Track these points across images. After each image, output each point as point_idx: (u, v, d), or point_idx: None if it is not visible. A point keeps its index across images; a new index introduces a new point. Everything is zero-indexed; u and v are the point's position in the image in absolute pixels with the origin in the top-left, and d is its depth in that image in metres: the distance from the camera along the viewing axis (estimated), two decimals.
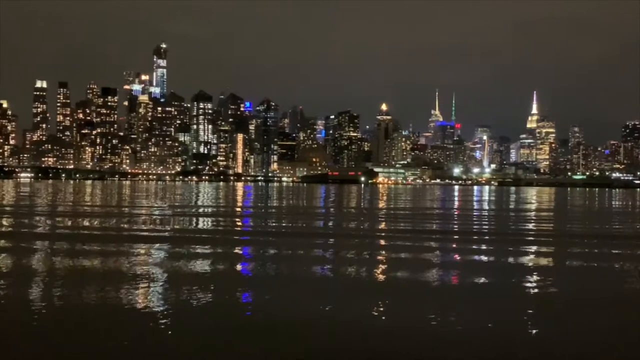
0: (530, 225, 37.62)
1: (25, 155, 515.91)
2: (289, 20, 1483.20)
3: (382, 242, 25.63)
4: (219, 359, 9.24)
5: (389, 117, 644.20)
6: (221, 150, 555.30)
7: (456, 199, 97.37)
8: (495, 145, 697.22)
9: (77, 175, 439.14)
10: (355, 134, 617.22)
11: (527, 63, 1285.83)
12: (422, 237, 27.73)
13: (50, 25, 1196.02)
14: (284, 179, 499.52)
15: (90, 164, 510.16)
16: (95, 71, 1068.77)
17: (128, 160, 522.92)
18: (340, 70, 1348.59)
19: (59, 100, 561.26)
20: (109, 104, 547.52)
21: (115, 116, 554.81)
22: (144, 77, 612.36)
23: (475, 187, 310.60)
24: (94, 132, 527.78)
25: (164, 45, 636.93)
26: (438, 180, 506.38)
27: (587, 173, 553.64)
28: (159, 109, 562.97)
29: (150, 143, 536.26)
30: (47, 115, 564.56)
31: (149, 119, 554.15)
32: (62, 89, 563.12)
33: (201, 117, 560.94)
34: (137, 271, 16.02)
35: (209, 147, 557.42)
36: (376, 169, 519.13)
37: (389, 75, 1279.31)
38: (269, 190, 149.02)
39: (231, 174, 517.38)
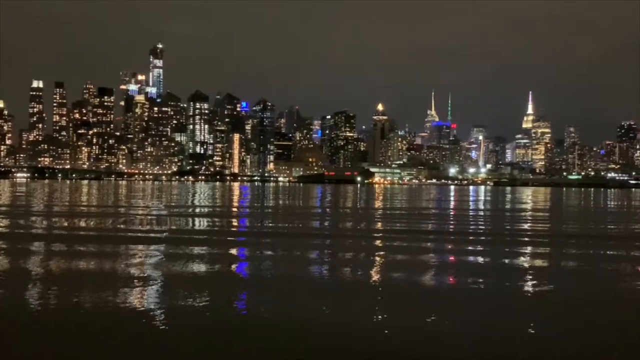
0: (526, 226, 37.82)
1: (22, 155, 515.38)
2: (289, 20, 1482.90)
3: (379, 242, 25.67)
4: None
5: (385, 117, 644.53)
6: (217, 150, 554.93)
7: (452, 199, 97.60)
8: (491, 145, 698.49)
9: (74, 175, 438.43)
10: (351, 134, 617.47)
11: (526, 63, 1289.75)
12: (419, 237, 27.81)
13: (47, 26, 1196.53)
14: (280, 179, 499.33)
15: (87, 164, 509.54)
16: (92, 71, 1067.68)
17: (124, 160, 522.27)
18: (340, 70, 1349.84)
19: (55, 100, 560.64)
20: (106, 104, 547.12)
21: (112, 116, 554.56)
22: (140, 77, 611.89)
23: (471, 187, 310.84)
24: (91, 132, 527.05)
25: (160, 46, 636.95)
26: (434, 181, 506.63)
27: (583, 173, 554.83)
28: (155, 109, 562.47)
29: (146, 143, 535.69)
30: (44, 115, 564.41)
31: (145, 119, 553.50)
32: (58, 89, 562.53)
33: (197, 117, 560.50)
34: (131, 272, 16.07)
35: (205, 147, 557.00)
36: (372, 169, 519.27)
37: (389, 75, 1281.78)
38: (265, 190, 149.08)
39: (227, 174, 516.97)
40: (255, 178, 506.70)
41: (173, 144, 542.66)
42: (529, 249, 23.51)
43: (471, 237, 28.46)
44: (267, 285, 14.93)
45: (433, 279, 16.02)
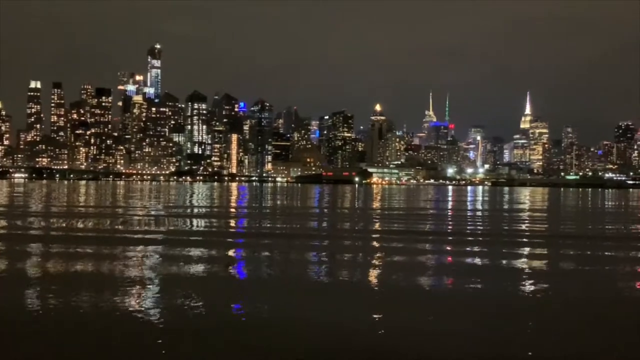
0: (524, 226, 37.92)
1: (20, 155, 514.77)
2: (289, 21, 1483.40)
3: (378, 243, 25.73)
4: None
5: (382, 118, 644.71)
6: (215, 150, 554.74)
7: (450, 199, 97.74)
8: (489, 145, 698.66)
9: (71, 176, 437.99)
10: (349, 135, 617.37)
11: (526, 63, 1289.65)
12: (417, 238, 27.81)
13: (46, 26, 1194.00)
14: (278, 179, 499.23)
15: (85, 164, 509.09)
16: (90, 72, 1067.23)
17: (122, 161, 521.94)
18: (340, 70, 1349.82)
19: (53, 101, 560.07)
20: (103, 104, 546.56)
21: (110, 116, 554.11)
22: (138, 78, 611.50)
23: (469, 188, 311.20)
24: (88, 132, 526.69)
25: (158, 46, 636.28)
26: (432, 181, 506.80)
27: (580, 173, 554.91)
28: (153, 109, 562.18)
29: (144, 143, 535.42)
30: (41, 115, 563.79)
31: (143, 119, 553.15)
32: (56, 90, 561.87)
33: (195, 117, 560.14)
34: (127, 273, 16.07)
35: (203, 147, 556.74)
36: (370, 169, 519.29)
37: (389, 75, 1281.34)
38: (263, 190, 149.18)
39: (225, 174, 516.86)
40: (253, 178, 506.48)
41: (171, 145, 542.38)
42: (526, 250, 23.52)
43: (469, 238, 28.54)
44: (264, 286, 14.95)
45: (431, 279, 16.02)
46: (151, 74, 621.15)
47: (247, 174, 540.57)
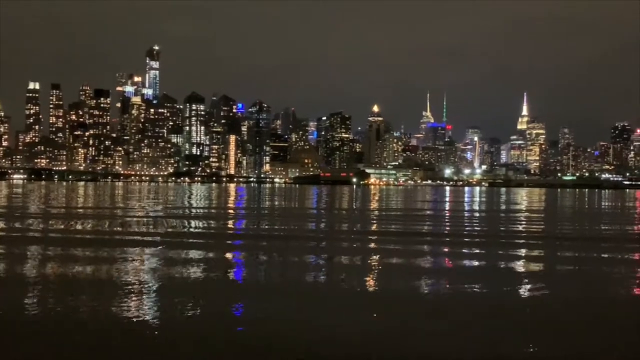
0: (521, 227, 38.12)
1: (18, 156, 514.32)
2: (289, 21, 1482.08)
3: (376, 244, 25.83)
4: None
5: (380, 119, 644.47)
6: (213, 151, 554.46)
7: (447, 200, 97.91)
8: (486, 146, 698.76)
9: (70, 177, 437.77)
10: (347, 136, 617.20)
11: (526, 63, 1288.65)
12: (416, 239, 27.87)
13: (45, 27, 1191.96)
14: (276, 180, 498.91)
15: (83, 165, 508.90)
16: (89, 73, 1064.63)
17: (121, 162, 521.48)
18: (340, 70, 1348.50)
19: (51, 102, 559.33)
20: (102, 105, 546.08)
21: (108, 118, 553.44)
22: (136, 79, 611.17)
23: (466, 188, 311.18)
24: (87, 133, 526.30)
25: (156, 47, 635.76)
26: (429, 182, 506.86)
27: (577, 174, 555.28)
28: (152, 110, 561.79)
29: (142, 144, 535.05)
30: (40, 116, 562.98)
31: (142, 120, 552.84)
32: (54, 91, 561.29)
33: (194, 118, 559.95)
34: (124, 277, 16.11)
35: (201, 148, 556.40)
36: (368, 170, 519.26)
37: (389, 75, 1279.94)
38: (262, 191, 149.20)
39: (224, 175, 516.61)
40: (252, 179, 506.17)
41: (169, 146, 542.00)
42: (523, 251, 23.63)
43: (466, 239, 28.73)
44: (260, 289, 15.12)
45: (429, 281, 16.07)
46: (149, 75, 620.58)
47: (245, 174, 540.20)
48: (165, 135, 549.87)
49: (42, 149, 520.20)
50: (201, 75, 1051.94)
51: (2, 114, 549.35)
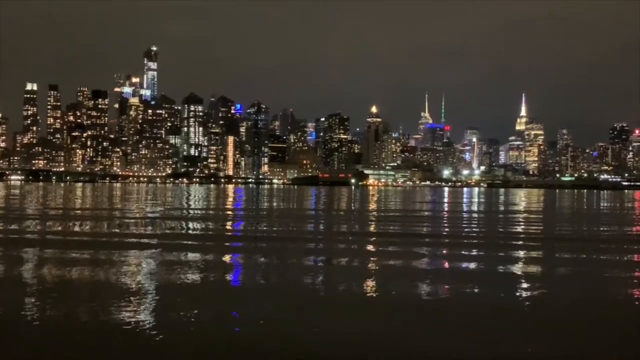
0: (519, 228, 38.00)
1: (16, 157, 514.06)
2: (289, 21, 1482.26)
3: (375, 246, 25.73)
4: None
5: (379, 120, 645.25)
6: (212, 152, 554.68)
7: (446, 201, 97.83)
8: (485, 147, 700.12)
9: (68, 178, 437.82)
10: (345, 136, 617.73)
11: (526, 63, 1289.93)
12: (414, 240, 27.69)
13: (43, 27, 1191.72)
14: (275, 181, 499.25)
15: (81, 166, 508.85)
16: (89, 73, 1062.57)
17: (119, 163, 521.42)
18: (340, 71, 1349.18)
19: (49, 103, 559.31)
20: (100, 106, 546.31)
21: (106, 119, 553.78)
22: (134, 80, 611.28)
23: (465, 189, 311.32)
24: (85, 134, 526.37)
25: (154, 48, 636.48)
26: (428, 182, 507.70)
27: (576, 175, 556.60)
28: (150, 111, 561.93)
29: (140, 145, 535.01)
30: (38, 117, 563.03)
31: (140, 121, 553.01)
32: (52, 92, 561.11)
33: (192, 119, 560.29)
34: (120, 279, 15.98)
35: (199, 149, 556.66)
36: (366, 171, 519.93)
37: (389, 75, 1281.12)
38: (260, 192, 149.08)
39: (222, 176, 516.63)
40: (250, 180, 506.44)
41: (167, 147, 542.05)
42: (522, 253, 23.50)
43: (465, 240, 28.59)
44: (257, 293, 14.99)
45: (426, 283, 15.91)
46: (147, 76, 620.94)
47: (243, 175, 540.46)
48: (163, 136, 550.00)
49: (40, 150, 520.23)
50: (201, 76, 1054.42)
51: (0, 115, 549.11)
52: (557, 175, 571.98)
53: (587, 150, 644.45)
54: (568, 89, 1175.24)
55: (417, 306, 13.23)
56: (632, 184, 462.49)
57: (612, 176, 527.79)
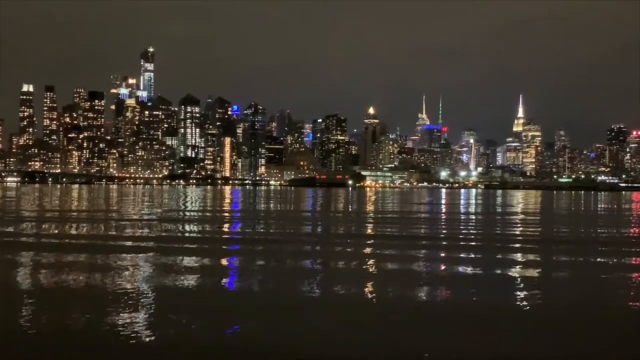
0: (517, 231, 37.87)
1: (12, 159, 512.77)
2: (289, 21, 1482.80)
3: (372, 248, 25.55)
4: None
5: (376, 121, 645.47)
6: (209, 153, 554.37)
7: (443, 202, 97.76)
8: (482, 148, 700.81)
9: (64, 180, 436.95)
10: (342, 138, 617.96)
11: (526, 63, 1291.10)
12: (411, 243, 27.58)
13: (40, 28, 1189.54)
14: (272, 182, 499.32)
15: (77, 168, 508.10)
16: (89, 73, 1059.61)
17: (115, 164, 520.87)
18: (339, 71, 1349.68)
19: (45, 104, 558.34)
20: (96, 107, 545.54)
21: (102, 120, 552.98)
22: (131, 81, 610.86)
23: (462, 191, 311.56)
24: (81, 136, 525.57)
25: (151, 49, 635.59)
26: (425, 184, 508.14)
27: (573, 176, 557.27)
28: (146, 112, 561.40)
29: (137, 147, 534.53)
30: (34, 119, 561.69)
31: (136, 122, 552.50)
32: (48, 93, 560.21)
33: (188, 120, 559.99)
34: (116, 283, 15.84)
35: (196, 150, 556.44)
36: (364, 173, 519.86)
37: (389, 75, 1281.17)
38: (257, 193, 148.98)
39: (219, 177, 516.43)
40: (247, 182, 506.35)
41: (164, 148, 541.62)
42: (519, 255, 23.39)
43: (462, 243, 28.44)
44: (258, 292, 14.83)
45: (423, 285, 15.79)
46: (144, 78, 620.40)
47: (240, 177, 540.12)
48: (160, 137, 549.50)
49: (36, 151, 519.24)
50: (200, 76, 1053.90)
51: None
52: (555, 176, 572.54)
53: (585, 152, 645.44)
54: (568, 89, 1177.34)
55: (415, 308, 13.09)
56: (629, 185, 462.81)
57: (610, 177, 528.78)
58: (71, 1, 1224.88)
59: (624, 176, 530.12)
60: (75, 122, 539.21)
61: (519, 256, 23.16)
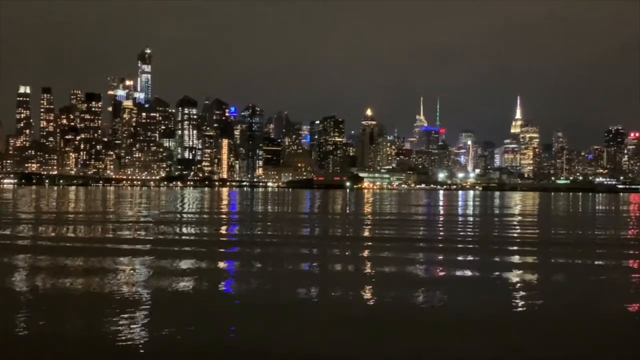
0: (515, 233, 37.80)
1: (9, 161, 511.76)
2: (289, 21, 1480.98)
3: (369, 251, 25.48)
4: None
5: (374, 122, 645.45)
6: (206, 155, 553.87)
7: (441, 204, 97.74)
8: (480, 150, 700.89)
9: (61, 181, 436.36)
10: (340, 139, 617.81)
11: (526, 63, 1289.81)
12: (409, 245, 27.55)
13: (37, 29, 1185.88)
14: (269, 184, 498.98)
15: (74, 169, 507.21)
16: (89, 73, 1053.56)
17: (112, 166, 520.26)
18: (339, 71, 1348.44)
19: (42, 106, 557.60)
20: (93, 109, 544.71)
21: (99, 122, 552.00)
22: (128, 83, 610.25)
23: (460, 192, 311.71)
24: (78, 137, 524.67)
25: (148, 51, 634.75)
26: (423, 185, 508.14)
27: (571, 178, 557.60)
28: (144, 114, 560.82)
29: (134, 149, 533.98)
30: (31, 120, 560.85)
31: (133, 124, 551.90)
32: (45, 95, 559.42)
33: (186, 122, 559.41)
34: (112, 288, 15.73)
35: (193, 152, 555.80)
36: (361, 174, 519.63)
37: (389, 75, 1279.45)
38: (254, 195, 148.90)
39: (216, 179, 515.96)
40: (244, 183, 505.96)
41: (161, 150, 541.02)
42: (516, 258, 23.33)
43: (460, 245, 28.36)
44: (256, 294, 14.70)
45: (421, 288, 15.70)
46: (141, 79, 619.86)
47: (238, 179, 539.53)
48: (157, 139, 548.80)
49: (33, 153, 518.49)
50: (199, 77, 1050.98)
51: None
52: (553, 178, 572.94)
53: (583, 153, 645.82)
54: (567, 90, 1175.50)
55: (412, 309, 13.01)
56: (627, 187, 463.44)
57: (608, 179, 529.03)
58: (70, 1, 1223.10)
59: (621, 178, 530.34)
60: (72, 123, 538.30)
61: (516, 258, 23.10)
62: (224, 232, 36.43)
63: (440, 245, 28.75)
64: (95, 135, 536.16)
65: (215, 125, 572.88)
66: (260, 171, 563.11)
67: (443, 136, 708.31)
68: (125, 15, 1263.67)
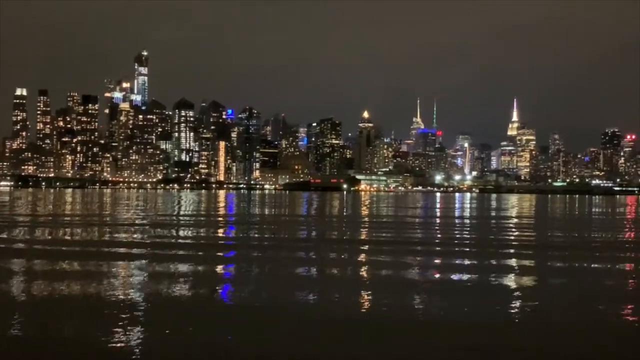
0: (511, 235, 37.83)
1: (5, 163, 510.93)
2: (289, 21, 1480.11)
3: (367, 254, 25.51)
4: None
5: (370, 125, 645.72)
6: (203, 158, 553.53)
7: (438, 206, 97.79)
8: (476, 152, 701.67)
9: (58, 184, 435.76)
10: (337, 142, 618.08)
11: (526, 63, 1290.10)
12: (406, 248, 27.52)
13: (34, 31, 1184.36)
14: (266, 186, 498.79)
15: (71, 172, 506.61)
16: (89, 74, 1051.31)
17: (109, 169, 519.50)
18: (339, 71, 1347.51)
19: (39, 108, 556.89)
20: (90, 111, 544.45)
21: (96, 124, 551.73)
22: (125, 85, 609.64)
23: (457, 194, 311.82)
24: (75, 140, 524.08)
25: (145, 53, 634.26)
26: (420, 188, 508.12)
27: (567, 180, 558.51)
28: (140, 116, 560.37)
29: (131, 151, 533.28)
30: (27, 123, 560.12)
31: (130, 126, 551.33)
32: (42, 97, 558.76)
33: (183, 124, 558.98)
34: (108, 292, 15.72)
35: (190, 154, 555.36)
36: (358, 177, 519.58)
37: (389, 76, 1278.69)
38: (251, 198, 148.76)
39: (213, 181, 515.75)
40: (241, 186, 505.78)
41: (158, 152, 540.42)
42: (514, 261, 23.36)
43: (456, 248, 28.37)
44: (255, 297, 14.71)
45: (418, 291, 15.69)
46: (138, 81, 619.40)
47: (235, 181, 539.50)
48: (154, 141, 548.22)
49: (29, 155, 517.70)
50: (198, 77, 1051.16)
51: None
52: (549, 180, 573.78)
53: (579, 156, 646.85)
54: (567, 90, 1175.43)
55: (410, 312, 12.99)
56: (623, 189, 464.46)
57: (604, 181, 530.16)
58: (70, 2, 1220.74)
59: (618, 180, 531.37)
60: (69, 126, 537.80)
61: (513, 262, 23.11)
62: (221, 234, 36.41)
63: (438, 248, 28.75)
64: (92, 137, 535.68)
65: (212, 127, 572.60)
66: (257, 173, 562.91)
67: (440, 138, 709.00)
68: (124, 15, 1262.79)
